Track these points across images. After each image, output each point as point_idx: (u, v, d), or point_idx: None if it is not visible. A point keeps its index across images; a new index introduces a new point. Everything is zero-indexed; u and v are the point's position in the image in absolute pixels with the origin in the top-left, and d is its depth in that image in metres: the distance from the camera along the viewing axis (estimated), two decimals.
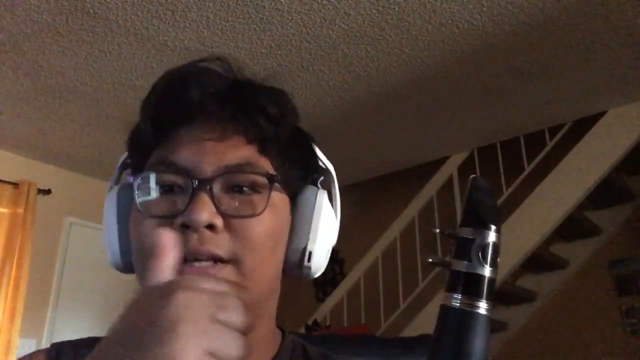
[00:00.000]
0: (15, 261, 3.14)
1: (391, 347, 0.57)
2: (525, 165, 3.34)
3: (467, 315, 0.36)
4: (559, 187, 3.10)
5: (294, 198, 0.56)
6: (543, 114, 3.13)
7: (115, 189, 0.57)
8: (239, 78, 0.56)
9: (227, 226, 0.49)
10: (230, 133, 0.52)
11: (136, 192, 0.51)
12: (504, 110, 3.05)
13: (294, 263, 0.55)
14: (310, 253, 0.54)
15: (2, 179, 3.28)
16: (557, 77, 2.71)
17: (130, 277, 0.59)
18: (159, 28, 2.22)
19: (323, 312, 3.86)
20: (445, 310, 0.37)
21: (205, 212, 0.47)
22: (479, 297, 0.37)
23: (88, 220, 3.65)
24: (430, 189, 3.73)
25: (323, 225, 0.55)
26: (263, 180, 0.51)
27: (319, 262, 0.55)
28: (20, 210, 3.24)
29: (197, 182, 0.49)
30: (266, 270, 0.51)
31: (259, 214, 0.50)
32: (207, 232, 0.48)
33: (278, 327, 0.60)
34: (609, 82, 2.78)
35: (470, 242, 0.38)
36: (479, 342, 0.36)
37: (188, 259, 0.47)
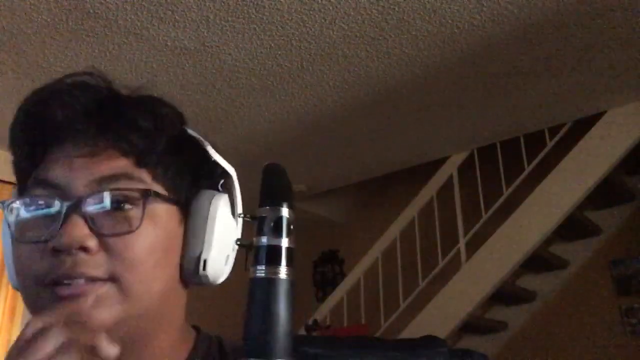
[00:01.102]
0: None
1: (393, 348, 0.57)
2: (525, 165, 3.34)
3: (270, 282, 0.41)
4: (559, 187, 3.10)
5: (187, 206, 0.54)
6: (543, 114, 3.13)
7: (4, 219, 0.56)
8: (107, 92, 0.54)
9: (103, 246, 0.47)
10: (101, 149, 0.50)
11: (9, 216, 0.50)
12: (504, 110, 3.06)
13: (190, 271, 0.53)
14: (205, 261, 0.52)
15: (2, 179, 3.28)
16: (557, 77, 2.71)
17: None
18: (159, 28, 2.22)
19: (323, 312, 3.86)
20: (252, 281, 0.42)
21: (77, 234, 0.46)
22: (278, 264, 0.42)
23: None
24: (430, 189, 3.74)
25: (218, 231, 0.53)
26: (136, 194, 0.49)
27: (216, 269, 0.53)
28: None
29: (67, 204, 0.47)
30: (151, 285, 0.49)
31: (134, 230, 0.48)
32: (81, 255, 0.46)
33: (194, 327, 0.59)
34: (609, 82, 2.78)
35: (266, 219, 0.43)
36: (282, 303, 0.41)
37: (61, 283, 0.46)
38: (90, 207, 0.48)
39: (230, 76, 2.58)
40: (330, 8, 2.12)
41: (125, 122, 0.51)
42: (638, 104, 2.98)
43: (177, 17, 2.15)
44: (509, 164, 3.39)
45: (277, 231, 0.43)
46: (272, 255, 0.42)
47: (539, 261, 3.38)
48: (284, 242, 0.43)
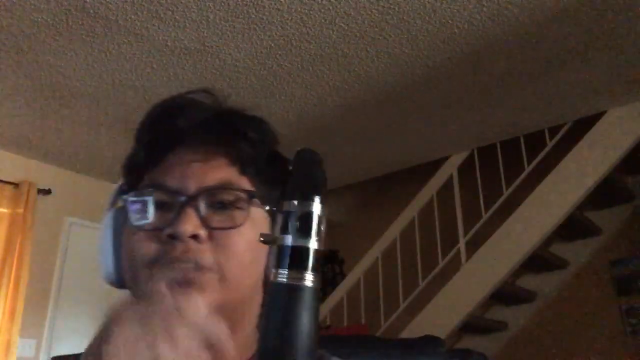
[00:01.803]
0: (15, 261, 3.14)
1: (393, 348, 0.57)
2: (525, 165, 3.34)
3: (293, 289, 0.36)
4: (559, 187, 3.10)
5: (274, 216, 0.60)
6: (543, 114, 3.13)
7: (112, 210, 0.63)
8: (222, 107, 0.62)
9: (210, 237, 0.54)
10: (213, 155, 0.58)
11: (130, 211, 0.57)
12: (504, 110, 3.06)
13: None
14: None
15: (2, 179, 3.28)
16: (557, 77, 2.71)
17: None
18: (159, 28, 2.22)
19: (323, 312, 3.86)
20: (273, 286, 0.37)
21: (190, 224, 0.53)
22: (304, 269, 0.37)
23: (88, 220, 3.65)
24: (430, 189, 3.73)
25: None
26: (242, 196, 0.57)
27: None
28: (20, 210, 3.24)
29: (183, 198, 0.54)
30: (245, 279, 0.56)
31: (239, 226, 0.55)
32: (192, 242, 0.53)
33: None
34: (609, 82, 2.78)
35: (292, 215, 0.38)
36: (306, 314, 0.37)
37: (173, 264, 0.53)
38: (202, 204, 0.55)
39: (230, 76, 2.58)
40: (330, 8, 2.12)
41: (237, 133, 0.59)
42: (638, 104, 2.98)
43: (177, 17, 2.15)
44: (509, 164, 3.39)
45: (304, 230, 0.38)
46: (297, 258, 0.37)
47: (539, 261, 3.38)
48: (312, 244, 0.38)
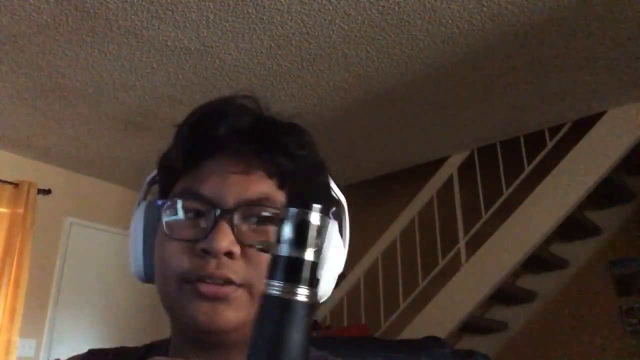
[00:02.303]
0: (15, 261, 3.14)
1: (394, 349, 0.57)
2: (525, 165, 3.34)
3: (284, 303, 0.35)
4: (559, 187, 3.11)
5: None
6: (543, 114, 3.13)
7: (143, 204, 0.61)
8: (264, 115, 0.60)
9: (244, 254, 0.53)
10: (253, 168, 0.56)
11: (163, 215, 0.56)
12: (504, 110, 3.06)
13: None
14: (317, 280, 0.56)
15: (2, 179, 3.28)
16: (557, 77, 2.71)
17: (131, 279, 0.63)
18: (159, 28, 2.22)
19: (323, 312, 3.86)
20: (265, 298, 0.35)
21: (225, 240, 0.51)
22: (298, 282, 0.35)
23: (88, 220, 3.65)
24: (430, 189, 3.73)
25: (331, 255, 0.59)
26: (279, 213, 0.54)
27: (325, 289, 0.59)
28: (20, 210, 3.24)
29: (219, 211, 0.53)
30: None
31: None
32: (225, 259, 0.52)
33: None
34: (609, 82, 2.78)
35: (291, 224, 0.36)
36: (297, 331, 0.34)
37: (204, 281, 0.52)
38: (238, 219, 0.54)
39: (230, 76, 2.58)
40: (330, 8, 2.12)
41: (278, 145, 0.57)
42: (638, 104, 2.98)
43: (177, 17, 2.15)
44: (509, 164, 3.39)
45: (300, 240, 0.36)
46: (291, 270, 0.35)
47: (539, 261, 3.38)
48: (308, 256, 0.36)
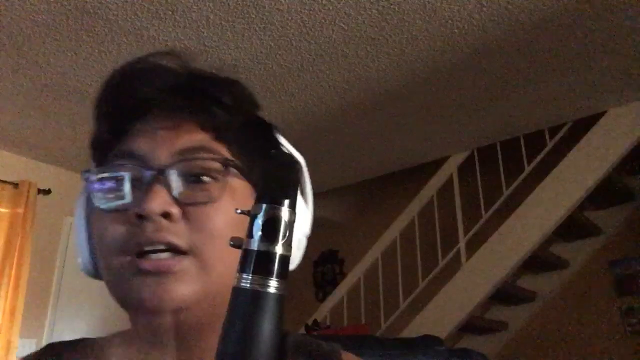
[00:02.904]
0: (15, 261, 3.14)
1: (392, 347, 0.57)
2: (525, 165, 3.34)
3: (255, 295, 0.35)
4: (559, 187, 3.10)
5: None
6: (543, 114, 3.13)
7: (82, 196, 0.57)
8: (191, 71, 0.56)
9: (185, 215, 0.48)
10: (183, 122, 0.52)
11: (93, 190, 0.52)
12: (504, 110, 3.06)
13: None
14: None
15: (2, 179, 3.28)
16: (557, 77, 2.71)
17: None
18: (159, 28, 2.22)
19: (323, 312, 3.86)
20: (235, 291, 0.36)
21: (159, 200, 0.47)
22: (268, 275, 0.35)
23: None
24: (430, 189, 3.74)
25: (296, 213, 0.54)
26: (218, 165, 0.50)
27: (295, 254, 0.55)
28: (20, 210, 3.24)
29: (150, 173, 0.49)
30: (228, 261, 0.49)
31: (215, 201, 0.49)
32: (164, 221, 0.47)
33: None
34: (609, 82, 2.78)
35: (260, 219, 0.37)
36: (268, 322, 0.35)
37: (146, 250, 0.47)
38: (173, 177, 0.49)
39: (230, 76, 2.58)
40: (330, 8, 2.12)
41: (207, 97, 0.53)
42: (638, 104, 2.98)
43: (177, 17, 2.15)
44: (509, 164, 3.39)
45: (271, 235, 0.36)
46: (262, 264, 0.36)
47: (539, 261, 3.38)
48: (278, 249, 0.36)
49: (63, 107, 2.84)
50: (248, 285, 0.35)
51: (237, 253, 0.49)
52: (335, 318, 3.83)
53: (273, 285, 0.35)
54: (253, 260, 0.36)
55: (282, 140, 0.60)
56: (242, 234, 0.49)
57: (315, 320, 3.69)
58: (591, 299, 3.38)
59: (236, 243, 0.39)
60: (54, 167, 3.59)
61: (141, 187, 0.49)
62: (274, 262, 0.36)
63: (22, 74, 2.53)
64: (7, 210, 3.24)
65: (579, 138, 3.12)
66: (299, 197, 0.56)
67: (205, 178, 0.50)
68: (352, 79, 2.64)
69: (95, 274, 0.55)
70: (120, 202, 0.49)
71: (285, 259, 0.37)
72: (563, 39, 2.38)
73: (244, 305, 0.35)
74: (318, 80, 2.64)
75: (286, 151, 0.57)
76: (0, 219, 3.21)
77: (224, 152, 0.52)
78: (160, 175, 0.49)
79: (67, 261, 3.54)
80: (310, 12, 2.14)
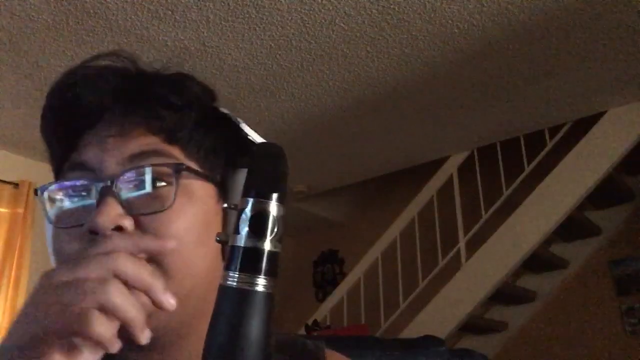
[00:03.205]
0: (15, 261, 3.14)
1: (393, 348, 0.57)
2: (525, 165, 3.34)
3: (242, 294, 0.33)
4: (559, 187, 3.10)
5: (224, 184, 0.53)
6: (543, 114, 3.13)
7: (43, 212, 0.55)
8: (136, 72, 0.53)
9: (139, 226, 0.46)
10: (130, 127, 0.50)
11: (47, 204, 0.50)
12: (504, 110, 3.06)
13: None
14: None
15: (2, 179, 3.28)
16: (557, 77, 2.71)
17: None
18: (159, 28, 2.22)
19: (323, 312, 3.86)
20: (221, 290, 0.34)
21: (110, 214, 0.45)
22: (256, 273, 0.34)
23: None
24: (430, 189, 3.74)
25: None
26: (169, 170, 0.48)
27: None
28: (20, 210, 3.24)
29: (100, 184, 0.47)
30: (194, 264, 0.48)
31: (168, 207, 0.47)
32: (117, 236, 0.44)
33: None
34: (609, 82, 2.78)
35: (247, 214, 0.35)
36: (255, 322, 0.33)
37: None
38: (123, 187, 0.47)
39: (230, 76, 2.58)
40: (330, 8, 2.12)
41: (154, 99, 0.51)
42: (638, 104, 2.98)
43: (177, 17, 2.15)
44: (509, 164, 3.39)
45: (258, 230, 0.34)
46: (249, 261, 0.34)
47: (539, 261, 3.38)
48: (267, 245, 0.34)
49: None
50: (235, 283, 0.34)
51: (204, 258, 0.49)
52: (335, 318, 3.83)
53: (261, 283, 0.34)
54: (240, 258, 0.34)
55: (245, 127, 0.55)
56: (204, 235, 0.49)
57: (315, 320, 3.69)
58: (591, 299, 3.38)
59: (222, 239, 0.37)
60: None
61: (94, 202, 0.47)
62: (262, 259, 0.34)
63: (22, 74, 2.53)
64: (7, 210, 3.24)
65: (579, 138, 3.12)
66: None
67: (157, 183, 0.48)
68: (352, 79, 2.64)
69: None
70: (74, 220, 0.48)
71: (274, 256, 0.35)
72: (563, 39, 2.38)
73: (231, 304, 0.33)
74: (318, 80, 2.64)
75: (271, 142, 0.55)
76: (0, 219, 3.21)
77: (177, 154, 0.50)
78: (110, 186, 0.47)
79: None
80: (310, 12, 2.14)
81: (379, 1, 2.10)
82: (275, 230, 0.35)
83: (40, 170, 3.51)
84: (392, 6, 2.13)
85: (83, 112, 0.50)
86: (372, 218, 4.49)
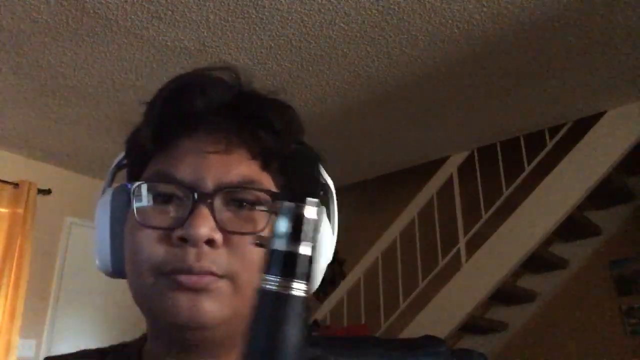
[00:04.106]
0: (15, 261, 3.14)
1: (393, 348, 0.57)
2: (525, 165, 3.34)
3: (281, 298, 0.34)
4: (559, 187, 3.10)
5: None
6: (543, 114, 3.13)
7: (109, 191, 0.55)
8: (245, 89, 0.54)
9: (226, 242, 0.48)
10: (234, 146, 0.50)
11: (134, 200, 0.50)
12: (504, 110, 3.05)
13: None
14: (312, 275, 0.53)
15: (2, 179, 3.28)
16: (557, 77, 2.71)
17: None
18: (159, 28, 2.22)
19: (323, 312, 3.86)
20: (260, 293, 0.35)
21: (206, 226, 0.46)
22: (294, 277, 0.34)
23: (88, 220, 3.65)
24: (430, 189, 3.74)
25: (322, 244, 0.54)
26: (265, 197, 0.49)
27: (317, 279, 0.56)
28: (20, 210, 3.24)
29: (197, 195, 0.47)
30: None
31: (260, 231, 0.48)
32: (206, 248, 0.46)
33: None
34: (609, 82, 2.78)
35: (286, 217, 0.36)
36: (293, 326, 0.34)
37: (183, 272, 0.47)
38: (218, 203, 0.48)
39: None
40: (330, 8, 2.12)
41: (262, 122, 0.51)
42: (638, 104, 2.98)
43: (177, 17, 2.15)
44: (509, 164, 3.39)
45: (296, 235, 0.35)
46: (287, 265, 0.35)
47: (539, 261, 3.38)
48: (304, 250, 0.35)
49: (63, 107, 2.84)
50: (273, 287, 0.35)
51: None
52: (335, 318, 3.83)
53: (299, 287, 0.35)
54: (278, 262, 0.35)
55: (324, 172, 0.58)
56: None
57: (315, 320, 3.69)
58: (591, 299, 3.38)
59: (262, 242, 0.38)
60: (54, 167, 3.59)
61: (185, 209, 0.47)
62: (299, 263, 0.35)
63: (22, 74, 2.53)
64: (7, 210, 3.24)
65: (579, 138, 3.12)
66: (327, 225, 0.55)
67: (249, 206, 0.49)
68: (352, 79, 2.64)
69: (116, 274, 0.54)
70: (163, 222, 0.48)
71: (309, 260, 0.36)
72: (563, 39, 2.38)
73: (268, 307, 0.34)
74: (318, 80, 2.64)
75: (311, 149, 0.56)
76: (0, 219, 3.21)
77: (269, 182, 0.51)
78: (207, 200, 0.47)
79: (67, 261, 3.54)
80: (310, 12, 2.14)
81: (379, 1, 2.10)
82: (311, 234, 0.36)
83: (40, 170, 3.51)
84: (392, 6, 2.13)
85: (188, 115, 0.51)
86: (372, 218, 4.49)
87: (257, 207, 0.49)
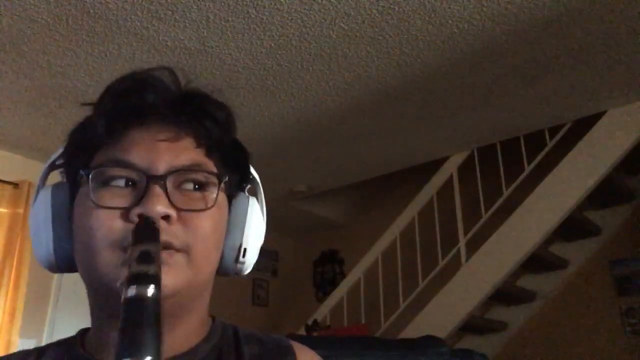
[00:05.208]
0: (15, 261, 3.14)
1: (393, 348, 0.57)
2: (525, 165, 3.34)
3: (135, 302, 0.40)
4: (559, 187, 3.10)
5: (230, 201, 0.62)
6: (543, 114, 3.13)
7: (49, 187, 0.60)
8: (189, 86, 0.61)
9: (180, 219, 0.53)
10: (182, 135, 0.56)
11: (91, 184, 0.53)
12: (504, 110, 3.05)
13: (230, 258, 0.61)
14: (245, 250, 0.60)
15: (2, 179, 3.28)
16: (557, 77, 2.71)
17: None
18: (159, 28, 2.22)
19: (323, 312, 3.86)
20: (125, 301, 0.41)
21: (161, 204, 0.51)
22: (147, 284, 0.41)
23: None
24: (430, 189, 3.73)
25: (255, 226, 0.62)
26: (212, 179, 0.57)
27: (251, 258, 0.62)
28: (20, 210, 3.24)
29: (151, 177, 0.53)
30: (209, 261, 0.57)
31: (209, 208, 0.55)
32: (163, 223, 0.51)
33: (211, 316, 0.65)
34: (609, 82, 2.77)
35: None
36: (150, 320, 0.40)
37: None
38: (169, 185, 0.53)
39: (230, 76, 2.58)
40: (330, 8, 2.12)
41: (207, 114, 0.58)
42: (638, 104, 2.98)
43: (177, 17, 2.15)
44: (509, 164, 3.39)
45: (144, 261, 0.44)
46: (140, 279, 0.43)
47: (539, 261, 3.38)
48: (151, 270, 0.44)
49: (63, 107, 2.84)
50: (134, 294, 0.41)
51: (215, 257, 0.58)
52: (335, 318, 3.83)
53: (151, 292, 0.41)
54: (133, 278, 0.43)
55: (252, 169, 0.66)
56: (219, 240, 0.59)
57: (315, 320, 3.69)
58: (591, 299, 3.38)
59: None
60: None
61: (140, 191, 0.53)
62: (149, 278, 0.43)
63: (22, 74, 2.53)
64: (7, 210, 3.24)
65: (579, 138, 3.12)
66: (258, 211, 0.64)
67: (198, 188, 0.56)
68: (352, 79, 2.64)
69: (59, 269, 0.59)
70: (120, 203, 0.53)
71: (157, 276, 0.44)
72: (563, 39, 2.38)
73: (128, 313, 0.40)
74: (318, 80, 2.64)
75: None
76: (0, 219, 3.21)
77: (213, 167, 0.58)
78: (159, 181, 0.53)
79: None
80: (310, 12, 2.14)
81: (379, 1, 2.10)
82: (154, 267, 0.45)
83: (40, 170, 3.50)
84: (392, 6, 2.12)
85: (140, 108, 0.56)
86: (372, 218, 4.49)
87: (205, 188, 0.56)
